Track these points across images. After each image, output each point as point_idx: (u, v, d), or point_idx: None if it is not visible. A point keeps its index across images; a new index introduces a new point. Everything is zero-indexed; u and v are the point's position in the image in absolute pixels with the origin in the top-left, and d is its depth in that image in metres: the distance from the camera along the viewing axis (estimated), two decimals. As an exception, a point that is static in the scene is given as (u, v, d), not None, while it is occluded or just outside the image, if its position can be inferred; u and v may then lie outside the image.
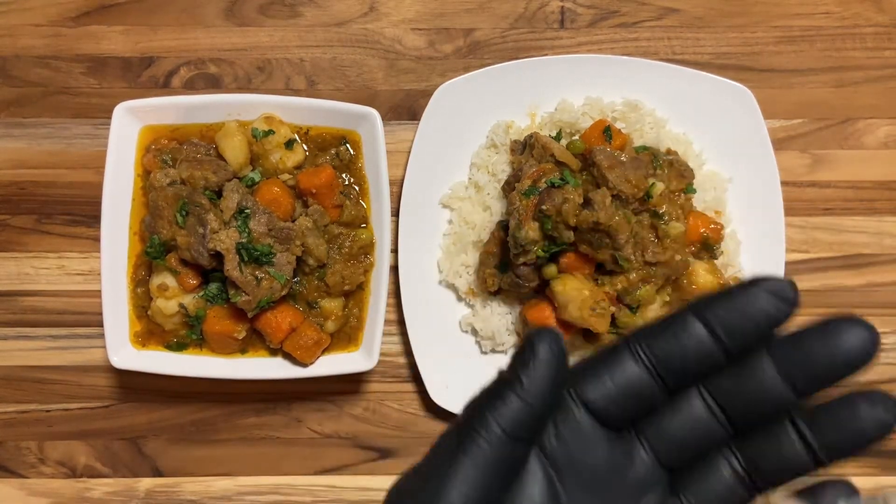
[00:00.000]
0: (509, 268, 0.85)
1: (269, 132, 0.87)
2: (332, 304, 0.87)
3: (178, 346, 0.87)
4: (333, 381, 0.92)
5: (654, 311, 0.86)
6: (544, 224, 0.80)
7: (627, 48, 0.99)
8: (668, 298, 0.87)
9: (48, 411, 0.93)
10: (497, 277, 0.87)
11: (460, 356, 0.92)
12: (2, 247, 0.95)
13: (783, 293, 0.32)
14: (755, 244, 0.92)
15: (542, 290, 0.86)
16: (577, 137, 0.90)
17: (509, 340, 0.90)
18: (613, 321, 0.84)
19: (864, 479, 0.93)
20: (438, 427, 0.94)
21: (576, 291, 0.81)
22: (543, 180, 0.81)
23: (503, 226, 0.88)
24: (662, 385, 0.35)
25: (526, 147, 0.89)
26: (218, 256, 0.81)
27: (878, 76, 0.99)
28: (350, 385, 0.94)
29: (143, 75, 0.98)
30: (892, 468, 0.94)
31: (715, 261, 0.89)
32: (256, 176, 0.86)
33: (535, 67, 0.93)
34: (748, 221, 0.93)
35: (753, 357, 0.34)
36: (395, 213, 0.92)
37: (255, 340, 0.88)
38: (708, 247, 0.88)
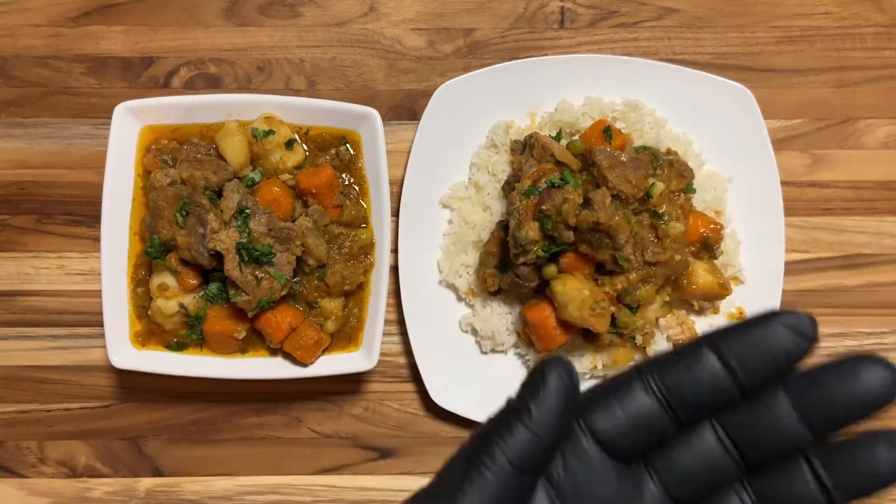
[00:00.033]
0: (509, 268, 0.85)
1: (270, 132, 0.87)
2: (332, 304, 0.87)
3: (179, 346, 0.87)
4: (333, 381, 0.92)
5: (653, 311, 0.86)
6: (544, 224, 0.80)
7: (627, 48, 0.99)
8: (667, 298, 0.87)
9: (48, 411, 0.94)
10: (497, 277, 0.87)
11: (460, 356, 0.92)
12: (2, 247, 0.95)
13: (802, 329, 0.31)
14: (755, 244, 0.92)
15: (542, 290, 0.86)
16: (577, 137, 0.90)
17: (509, 340, 0.90)
18: (613, 321, 0.84)
19: None
20: (438, 427, 0.94)
21: (576, 291, 0.81)
22: (543, 180, 0.81)
23: (503, 226, 0.88)
24: (674, 417, 0.34)
25: (526, 147, 0.89)
26: (218, 256, 0.81)
27: (878, 76, 0.99)
28: (350, 385, 0.94)
29: (144, 75, 0.98)
30: None
31: (715, 261, 0.89)
32: (256, 176, 0.86)
33: (535, 67, 0.93)
34: (748, 221, 0.93)
35: (769, 393, 0.33)
36: (395, 213, 0.92)
37: (256, 340, 0.88)
38: (708, 247, 0.88)
